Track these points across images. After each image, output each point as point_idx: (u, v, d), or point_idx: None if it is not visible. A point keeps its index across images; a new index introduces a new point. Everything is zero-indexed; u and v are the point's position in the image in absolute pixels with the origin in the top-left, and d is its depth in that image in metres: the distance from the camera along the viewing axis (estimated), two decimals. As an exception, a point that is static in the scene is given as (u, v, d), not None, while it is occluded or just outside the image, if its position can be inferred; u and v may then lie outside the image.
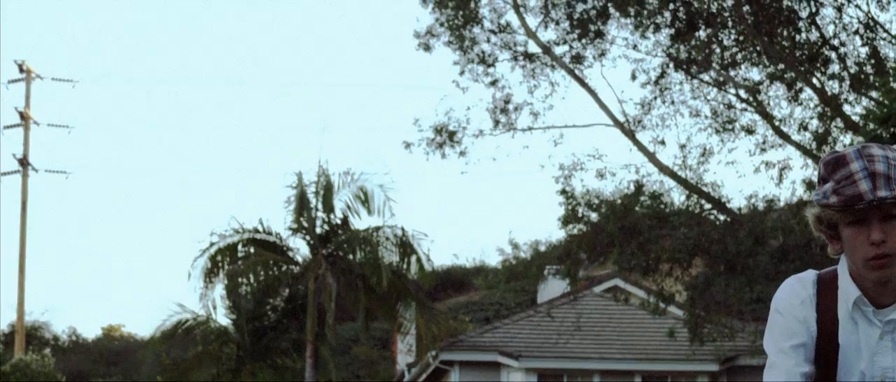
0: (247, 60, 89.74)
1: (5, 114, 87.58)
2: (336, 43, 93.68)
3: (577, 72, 23.12)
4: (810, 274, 3.63)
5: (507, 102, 23.15)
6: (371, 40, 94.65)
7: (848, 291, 3.52)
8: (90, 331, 62.39)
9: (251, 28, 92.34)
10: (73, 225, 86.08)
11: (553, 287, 29.96)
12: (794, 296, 3.59)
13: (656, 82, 23.20)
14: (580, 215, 22.61)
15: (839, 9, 22.57)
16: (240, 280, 27.62)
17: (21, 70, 45.29)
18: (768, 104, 22.80)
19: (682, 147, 22.73)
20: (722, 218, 22.07)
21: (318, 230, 28.06)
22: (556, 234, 22.93)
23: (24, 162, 44.73)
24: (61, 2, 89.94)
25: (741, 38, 22.43)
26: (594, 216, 22.46)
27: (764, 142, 22.59)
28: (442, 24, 22.80)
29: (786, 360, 3.52)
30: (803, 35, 22.56)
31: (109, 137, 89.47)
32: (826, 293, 3.57)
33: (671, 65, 23.15)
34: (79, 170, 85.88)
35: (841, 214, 3.41)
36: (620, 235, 21.40)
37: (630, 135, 22.92)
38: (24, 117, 45.10)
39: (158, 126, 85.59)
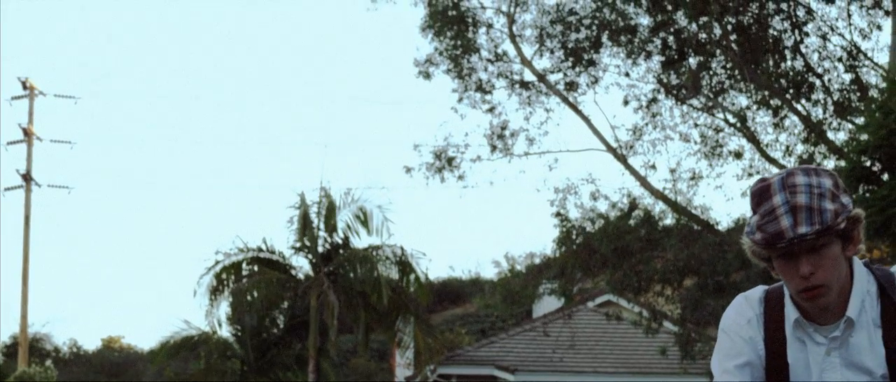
0: (248, 72, 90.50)
1: (9, 131, 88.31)
2: (338, 56, 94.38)
3: (570, 99, 23.69)
4: (758, 292, 3.56)
5: (503, 128, 23.77)
6: (374, 53, 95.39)
7: (789, 313, 3.48)
8: (90, 343, 62.83)
9: (254, 42, 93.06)
10: (74, 238, 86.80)
11: (548, 301, 30.56)
12: (740, 316, 3.52)
13: (647, 107, 23.88)
14: (574, 236, 23.29)
15: (823, 37, 23.26)
16: (245, 297, 28.21)
17: (24, 87, 45.81)
18: (755, 130, 23.49)
19: (672, 171, 23.40)
20: (711, 239, 22.73)
21: (320, 249, 28.69)
22: (551, 246, 23.64)
23: (27, 177, 45.25)
24: (63, 19, 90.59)
25: (729, 65, 23.11)
26: (589, 227, 23.12)
27: (750, 167, 23.31)
28: (441, 54, 23.49)
29: (732, 378, 3.50)
30: (788, 62, 23.22)
31: (110, 152, 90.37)
32: (774, 311, 3.51)
33: (662, 91, 23.84)
34: (80, 185, 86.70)
35: (767, 249, 3.34)
36: (613, 257, 22.08)
37: (622, 159, 23.57)
38: (27, 133, 45.64)
39: (158, 141, 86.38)
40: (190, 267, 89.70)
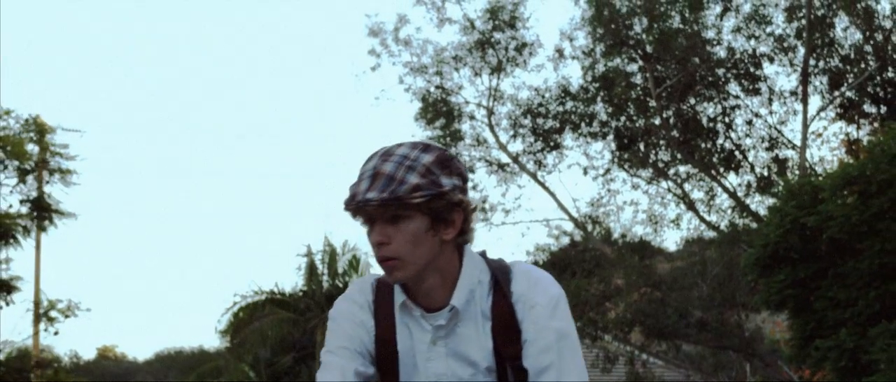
0: (247, 108, 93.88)
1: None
2: (339, 102, 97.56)
3: (539, 177, 27.60)
4: (370, 278, 3.36)
5: (484, 202, 27.84)
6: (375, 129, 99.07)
7: (396, 295, 3.28)
8: (85, 352, 65.81)
9: (262, 75, 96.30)
10: (79, 260, 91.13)
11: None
12: (350, 303, 3.32)
13: (604, 175, 27.94)
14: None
15: (749, 123, 27.36)
16: (260, 333, 32.18)
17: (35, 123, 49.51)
18: (693, 199, 27.63)
19: (624, 236, 27.71)
20: (654, 295, 26.88)
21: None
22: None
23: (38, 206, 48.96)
24: (70, 60, 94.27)
25: (670, 148, 27.24)
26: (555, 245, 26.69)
27: (689, 232, 27.51)
28: (431, 140, 27.48)
29: (338, 359, 3.22)
30: (719, 142, 27.23)
31: (111, 183, 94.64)
32: (384, 296, 3.31)
33: (615, 162, 27.94)
34: (85, 213, 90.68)
35: (347, 211, 3.12)
36: (573, 309, 26.18)
37: (582, 227, 27.90)
38: (38, 166, 49.35)
39: (158, 173, 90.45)
40: (178, 282, 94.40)
